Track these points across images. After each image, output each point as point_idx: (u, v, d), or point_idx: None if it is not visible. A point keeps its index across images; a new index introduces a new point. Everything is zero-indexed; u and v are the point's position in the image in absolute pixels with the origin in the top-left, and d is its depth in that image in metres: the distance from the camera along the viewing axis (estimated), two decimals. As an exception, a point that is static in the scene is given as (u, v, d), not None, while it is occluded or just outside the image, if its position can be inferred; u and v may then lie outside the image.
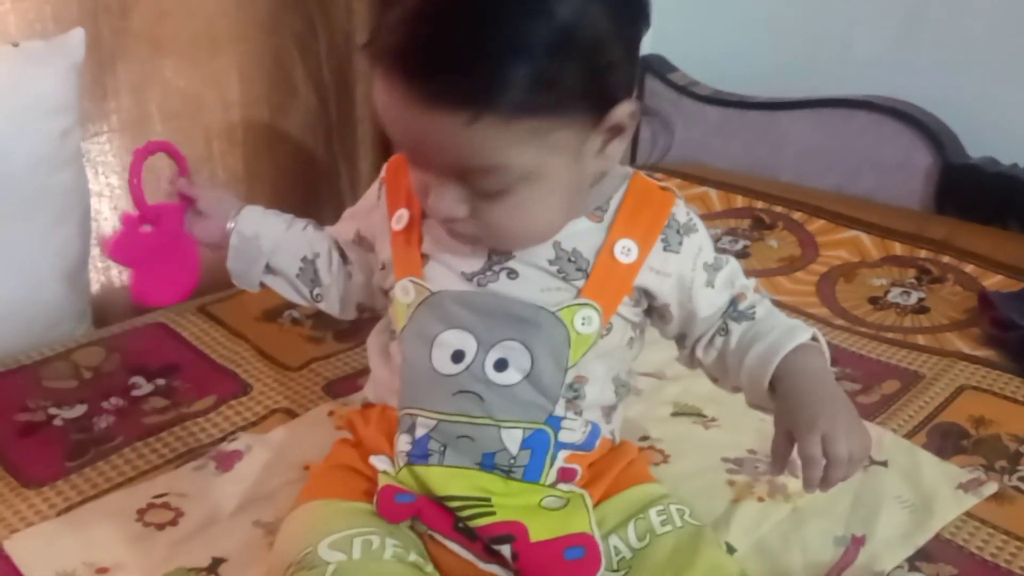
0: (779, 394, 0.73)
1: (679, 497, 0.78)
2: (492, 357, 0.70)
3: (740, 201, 1.71)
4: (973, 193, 1.57)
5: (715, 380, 0.82)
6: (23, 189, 1.11)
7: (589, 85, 0.63)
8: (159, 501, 0.87)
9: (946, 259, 1.47)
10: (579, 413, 0.74)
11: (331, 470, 0.78)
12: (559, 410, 0.72)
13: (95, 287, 1.35)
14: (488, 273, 0.72)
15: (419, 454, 0.72)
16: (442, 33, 0.59)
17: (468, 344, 0.71)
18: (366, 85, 1.53)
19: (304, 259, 0.86)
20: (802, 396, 0.71)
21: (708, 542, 0.73)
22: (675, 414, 1.04)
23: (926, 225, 1.56)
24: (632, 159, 2.01)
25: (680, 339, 0.81)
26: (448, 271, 0.73)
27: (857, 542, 0.84)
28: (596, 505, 0.74)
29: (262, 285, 0.87)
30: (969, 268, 1.44)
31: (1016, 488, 0.93)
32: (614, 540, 0.73)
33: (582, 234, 0.72)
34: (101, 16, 1.26)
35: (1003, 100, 1.60)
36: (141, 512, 0.85)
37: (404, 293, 0.73)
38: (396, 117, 0.63)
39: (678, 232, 0.75)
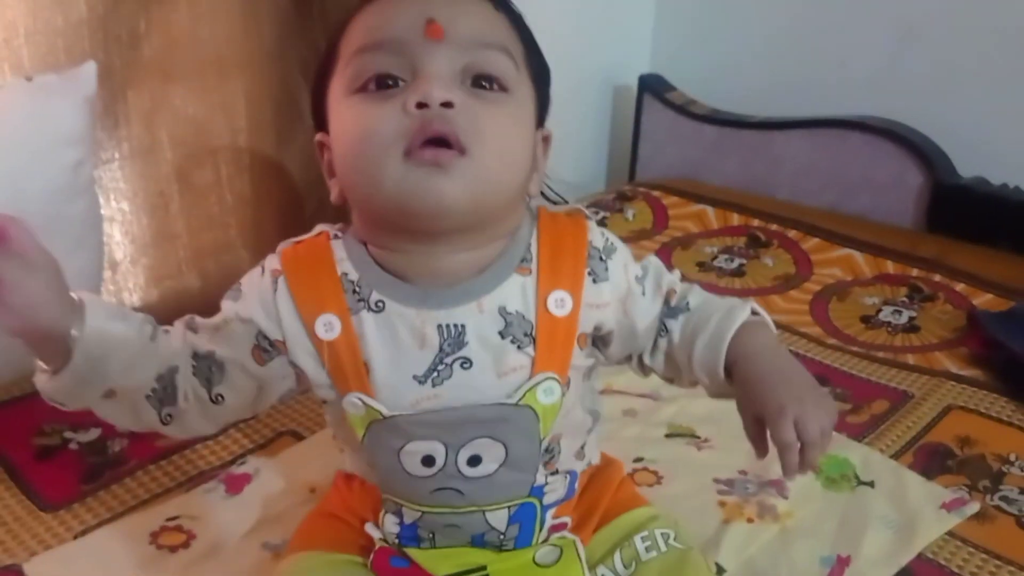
0: (738, 380, 0.71)
1: (666, 519, 0.80)
2: (464, 455, 0.68)
3: (736, 219, 1.74)
4: (964, 212, 1.61)
5: (671, 380, 0.79)
6: (38, 219, 1.11)
7: (541, 86, 0.73)
8: (172, 524, 0.90)
9: (937, 278, 1.50)
10: (557, 471, 0.74)
11: (322, 519, 0.79)
12: (539, 478, 0.72)
13: (107, 309, 1.38)
14: (440, 368, 0.67)
15: (409, 537, 0.72)
16: None
17: (436, 449, 0.68)
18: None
19: (160, 377, 0.68)
20: (762, 379, 0.69)
21: (693, 565, 0.75)
22: (669, 435, 1.07)
23: (918, 244, 1.59)
24: (631, 176, 2.05)
25: (626, 358, 0.79)
26: (397, 377, 0.67)
27: (843, 562, 0.87)
28: (588, 541, 0.76)
29: (83, 409, 0.68)
30: (960, 287, 1.47)
31: (998, 507, 0.97)
32: (602, 570, 0.75)
33: (519, 292, 0.69)
34: (112, 47, 1.30)
35: (993, 121, 1.63)
36: (155, 535, 0.89)
37: (355, 408, 0.68)
38: (418, 2, 0.66)
39: (601, 259, 0.72)
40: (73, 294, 0.64)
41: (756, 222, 1.72)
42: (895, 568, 0.87)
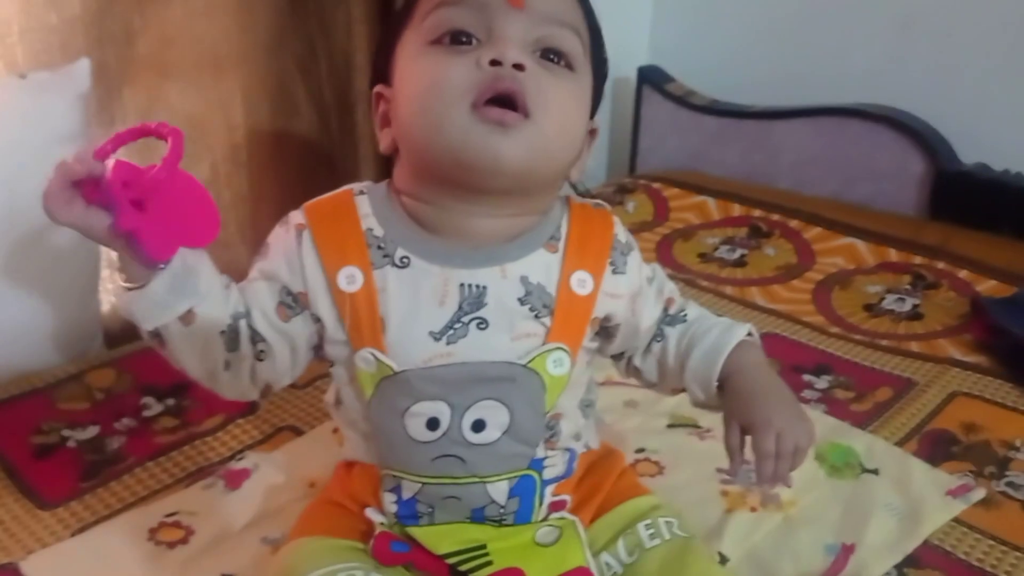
0: (728, 392, 0.76)
1: (669, 508, 0.80)
2: (468, 419, 0.69)
3: (738, 209, 1.73)
4: (966, 199, 1.60)
5: (652, 385, 0.83)
6: (34, 217, 1.13)
7: (599, 78, 0.75)
8: (170, 520, 0.89)
9: (940, 265, 1.49)
10: (556, 448, 0.75)
11: (323, 506, 0.79)
12: (539, 452, 0.72)
13: (106, 307, 1.38)
14: (457, 326, 0.69)
15: (408, 515, 0.72)
16: None
17: (442, 411, 0.69)
18: (366, 105, 1.56)
19: (234, 315, 0.69)
20: (754, 394, 0.74)
21: (697, 553, 0.75)
22: (671, 426, 1.07)
23: (920, 231, 1.58)
24: (631, 169, 2.04)
25: (618, 355, 0.82)
26: (412, 334, 0.69)
27: (847, 550, 0.86)
28: (589, 525, 0.76)
29: (154, 335, 0.67)
30: (963, 273, 1.46)
31: (1004, 493, 0.96)
32: (605, 557, 0.75)
33: (543, 266, 0.71)
34: (107, 44, 1.29)
35: (995, 107, 1.62)
36: (153, 531, 0.88)
37: (366, 364, 0.69)
38: None
39: (622, 253, 0.76)
40: None
41: (757, 212, 1.71)
42: (900, 555, 0.86)
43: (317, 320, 0.71)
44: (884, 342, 1.30)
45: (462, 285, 0.69)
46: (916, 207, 1.67)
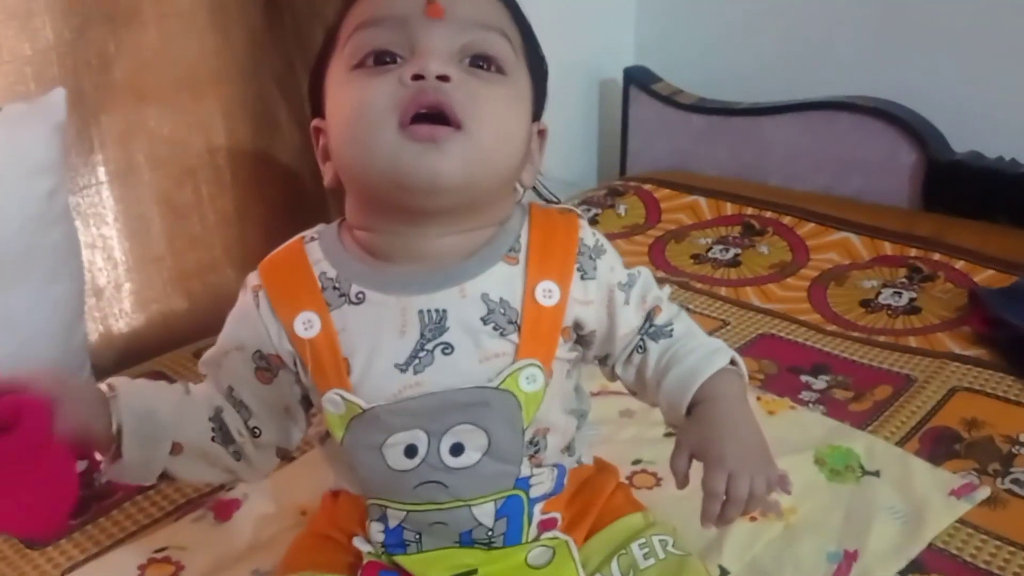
0: (693, 417, 0.72)
1: (664, 525, 0.78)
2: (446, 444, 0.67)
3: (730, 208, 1.72)
4: (960, 188, 1.58)
5: (634, 394, 0.80)
6: (13, 250, 1.12)
7: (538, 79, 0.74)
8: (159, 555, 0.88)
9: (936, 256, 1.47)
10: (543, 464, 0.73)
11: (311, 539, 0.78)
12: (524, 470, 0.71)
13: (93, 336, 1.36)
14: (422, 355, 0.67)
15: (395, 543, 0.71)
16: None
17: (419, 438, 0.67)
18: (349, 120, 1.54)
19: (213, 418, 0.72)
20: (715, 426, 0.70)
21: (693, 572, 0.73)
22: (668, 434, 1.04)
23: (915, 223, 1.57)
24: (622, 171, 2.03)
25: (601, 360, 0.79)
26: (378, 368, 0.67)
27: (850, 557, 0.85)
28: (582, 544, 0.74)
29: (162, 476, 0.73)
30: (960, 264, 1.45)
31: (1009, 491, 0.94)
32: None
33: (504, 281, 0.69)
34: (82, 72, 1.28)
35: (985, 93, 1.61)
36: (142, 568, 0.87)
37: (334, 406, 0.68)
38: None
39: (590, 257, 0.72)
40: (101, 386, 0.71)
41: (750, 210, 1.69)
42: (905, 561, 0.84)
43: (293, 372, 0.71)
44: (882, 338, 1.28)
45: (421, 312, 0.67)
46: (909, 198, 1.66)
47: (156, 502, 0.97)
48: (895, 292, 1.40)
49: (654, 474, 0.97)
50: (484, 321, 0.68)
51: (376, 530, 0.71)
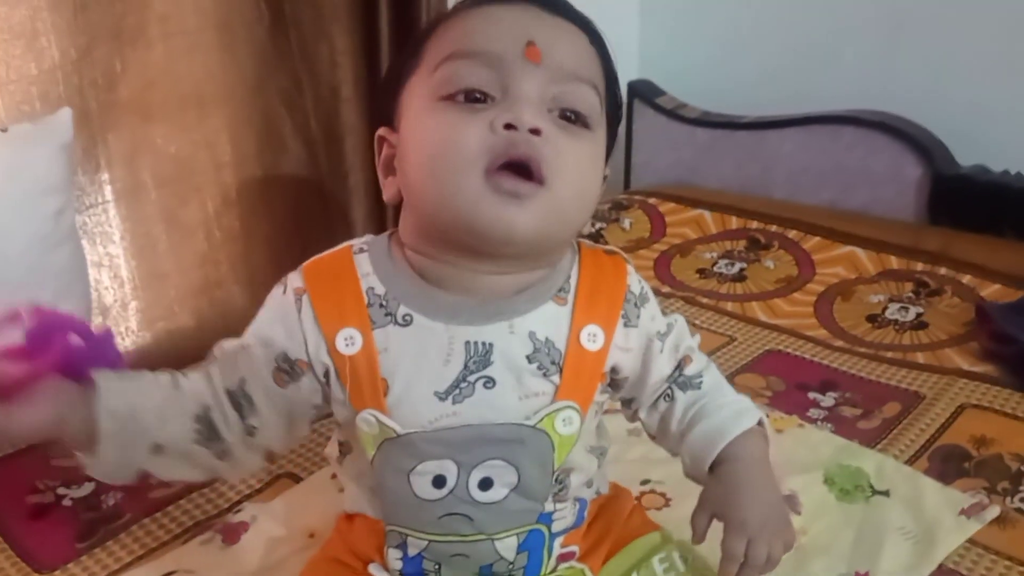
0: (715, 476, 0.72)
1: (683, 544, 0.77)
2: (476, 477, 0.67)
3: (735, 222, 1.72)
4: (966, 202, 1.58)
5: (653, 438, 0.80)
6: (20, 270, 1.12)
7: (613, 125, 0.72)
8: (168, 579, 0.88)
9: (943, 271, 1.47)
10: (565, 500, 0.72)
11: (325, 564, 0.77)
12: (547, 506, 0.71)
13: (99, 356, 1.36)
14: (463, 385, 0.66)
15: (414, 572, 0.71)
16: None
17: (448, 468, 0.67)
18: (354, 137, 1.55)
19: (198, 418, 0.68)
20: (738, 489, 0.71)
21: None
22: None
23: (921, 237, 1.57)
24: (626, 185, 2.03)
25: (626, 402, 0.79)
26: (417, 394, 0.66)
27: (861, 579, 0.84)
28: (599, 570, 0.74)
29: (140, 474, 0.70)
30: (966, 279, 1.44)
31: (1018, 510, 0.93)
32: None
33: (551, 320, 0.69)
34: (87, 91, 1.28)
35: (990, 107, 1.61)
36: (150, 592, 0.86)
37: (368, 426, 0.67)
38: (519, 13, 0.66)
39: (636, 305, 0.72)
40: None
41: (755, 224, 1.69)
42: (916, 582, 0.84)
43: (320, 382, 0.69)
44: (889, 354, 1.28)
45: (467, 343, 0.66)
46: (915, 212, 1.66)
47: (164, 525, 0.97)
48: (902, 307, 1.40)
49: (663, 494, 0.97)
50: (529, 359, 0.67)
51: (394, 557, 0.71)
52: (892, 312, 1.39)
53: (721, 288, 1.52)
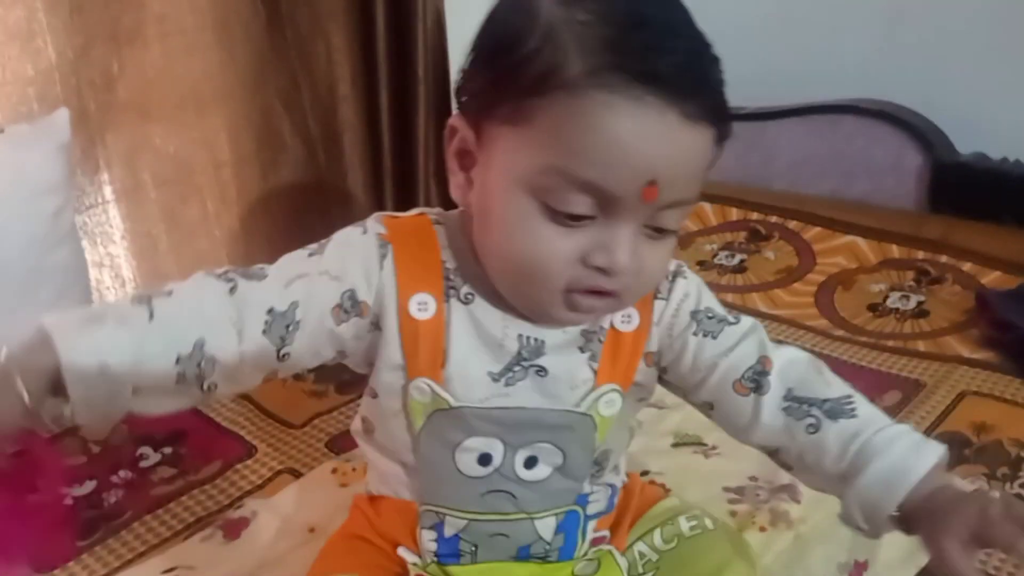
0: (930, 512, 0.61)
1: (703, 510, 0.77)
2: (521, 456, 0.67)
3: (735, 213, 1.71)
4: (966, 190, 1.58)
5: (782, 462, 0.71)
6: (20, 270, 1.13)
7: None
8: (169, 575, 0.88)
9: (944, 259, 1.47)
10: (599, 483, 0.72)
11: (349, 541, 0.74)
12: (584, 487, 0.71)
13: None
14: (516, 369, 0.66)
15: (449, 553, 0.70)
16: (701, 53, 0.62)
17: (495, 447, 0.67)
18: (352, 134, 1.55)
19: (181, 359, 0.60)
20: (972, 504, 0.60)
21: (744, 543, 0.74)
22: (676, 444, 1.05)
23: (922, 225, 1.56)
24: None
25: (704, 406, 0.72)
26: (472, 371, 0.66)
27: (860, 567, 0.84)
28: (625, 549, 0.74)
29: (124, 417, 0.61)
30: (967, 266, 1.44)
31: (1018, 495, 0.93)
32: (639, 546, 0.73)
33: None
34: (85, 91, 1.29)
35: (989, 95, 1.60)
36: (151, 589, 0.87)
37: (420, 394, 0.66)
38: (648, 138, 0.57)
39: (668, 279, 0.70)
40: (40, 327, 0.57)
41: (755, 215, 1.69)
42: (914, 570, 0.84)
43: (371, 333, 0.66)
44: (890, 343, 1.28)
45: (520, 336, 0.66)
46: (916, 201, 1.65)
47: (165, 521, 0.97)
48: (903, 295, 1.40)
49: (662, 485, 0.96)
50: (581, 350, 0.68)
51: (428, 539, 0.70)
52: (893, 301, 1.39)
53: (722, 279, 1.52)
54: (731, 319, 0.71)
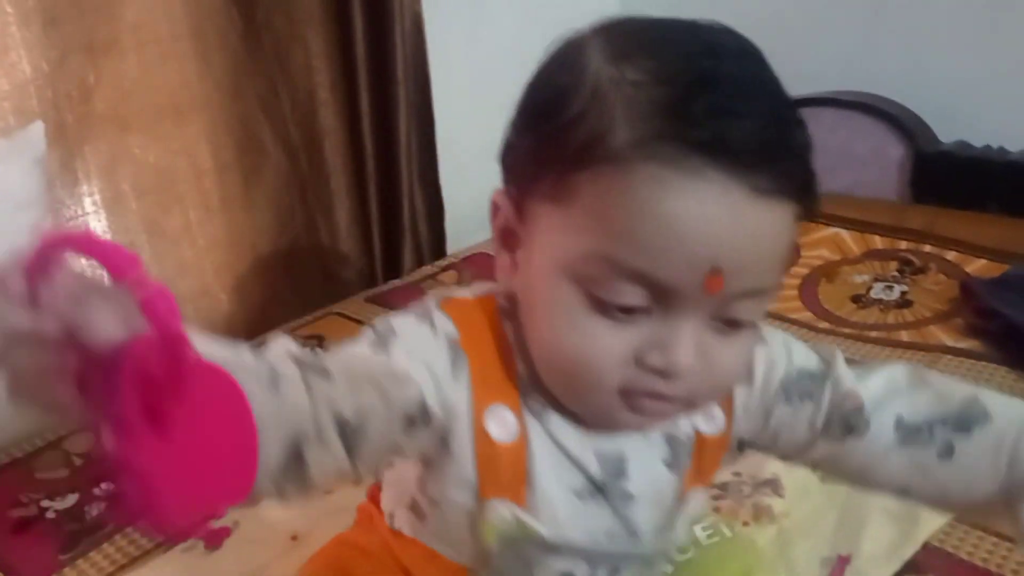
0: None
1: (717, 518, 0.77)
2: (605, 570, 0.61)
3: (719, 209, 1.71)
4: (949, 179, 1.57)
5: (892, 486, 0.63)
6: None
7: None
8: (150, 588, 0.88)
9: (927, 248, 1.47)
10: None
11: (351, 550, 0.69)
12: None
13: (86, 367, 1.36)
14: (598, 497, 0.59)
15: None
16: (780, 115, 0.53)
17: (579, 566, 0.60)
18: (333, 139, 1.55)
19: (288, 446, 0.47)
20: None
21: (760, 552, 0.74)
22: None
23: (905, 216, 1.56)
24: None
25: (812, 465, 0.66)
26: (556, 495, 0.57)
27: (843, 561, 0.84)
28: None
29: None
30: (951, 255, 1.44)
31: (1003, 485, 0.93)
32: None
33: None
34: (62, 104, 1.28)
35: (970, 83, 1.60)
36: (133, 601, 0.86)
37: (502, 520, 0.58)
38: (708, 219, 0.48)
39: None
40: None
41: (740, 210, 1.68)
42: (899, 563, 0.84)
43: (435, 444, 0.57)
44: (873, 334, 1.27)
45: (598, 454, 0.58)
46: (899, 191, 1.65)
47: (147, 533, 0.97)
48: (887, 286, 1.40)
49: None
50: (668, 465, 0.60)
51: None
52: (877, 292, 1.39)
53: (707, 275, 1.52)
54: (819, 369, 0.62)
